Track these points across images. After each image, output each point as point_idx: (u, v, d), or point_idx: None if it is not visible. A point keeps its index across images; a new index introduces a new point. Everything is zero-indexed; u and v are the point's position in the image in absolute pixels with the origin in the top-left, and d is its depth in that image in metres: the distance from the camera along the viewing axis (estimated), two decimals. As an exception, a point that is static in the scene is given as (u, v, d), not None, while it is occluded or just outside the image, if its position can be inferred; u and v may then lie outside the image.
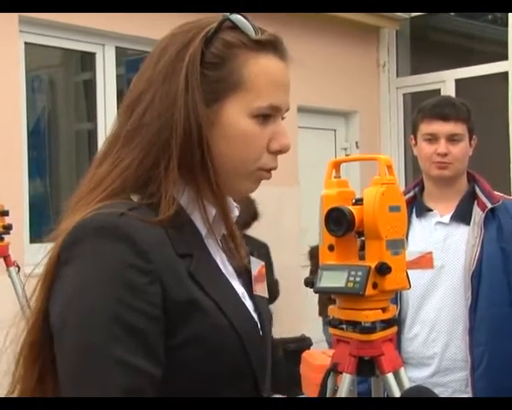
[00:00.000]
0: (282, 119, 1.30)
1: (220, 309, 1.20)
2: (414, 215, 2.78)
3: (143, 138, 1.22)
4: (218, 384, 1.20)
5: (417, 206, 2.79)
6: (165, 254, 1.17)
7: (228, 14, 1.27)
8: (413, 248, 2.67)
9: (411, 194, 2.82)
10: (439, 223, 2.74)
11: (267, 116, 1.26)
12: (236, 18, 1.26)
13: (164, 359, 1.15)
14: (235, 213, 1.34)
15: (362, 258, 1.92)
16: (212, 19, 1.28)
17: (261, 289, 1.39)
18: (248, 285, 1.36)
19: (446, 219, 2.73)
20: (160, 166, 1.21)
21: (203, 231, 1.26)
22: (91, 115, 5.89)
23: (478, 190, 2.72)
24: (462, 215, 2.71)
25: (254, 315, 1.31)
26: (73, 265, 1.14)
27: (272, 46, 1.27)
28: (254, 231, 6.19)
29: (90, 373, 1.09)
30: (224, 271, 1.29)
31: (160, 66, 1.25)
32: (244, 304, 1.29)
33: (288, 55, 1.30)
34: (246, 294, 1.33)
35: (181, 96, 1.21)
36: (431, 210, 2.76)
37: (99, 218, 1.16)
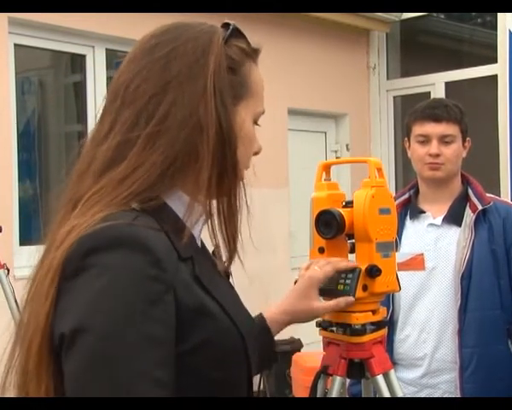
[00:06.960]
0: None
1: (224, 311, 1.22)
2: (408, 217, 2.79)
3: (166, 142, 1.21)
4: (223, 388, 1.21)
5: (411, 208, 2.80)
6: (174, 261, 1.16)
7: (230, 22, 1.31)
8: (405, 250, 2.68)
9: (406, 196, 2.83)
10: (432, 225, 2.75)
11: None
12: (239, 27, 1.32)
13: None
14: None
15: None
16: (207, 25, 1.30)
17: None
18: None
19: (438, 220, 2.74)
20: (189, 168, 1.23)
21: (196, 234, 1.28)
22: (81, 117, 5.87)
23: (470, 191, 2.73)
24: (454, 217, 2.72)
25: None
26: (87, 276, 1.11)
27: (258, 55, 1.35)
28: (243, 233, 6.18)
29: (113, 387, 1.06)
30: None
31: (175, 69, 1.24)
32: (241, 302, 1.33)
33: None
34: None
35: (210, 99, 1.22)
36: (424, 212, 2.77)
37: (112, 227, 1.13)
